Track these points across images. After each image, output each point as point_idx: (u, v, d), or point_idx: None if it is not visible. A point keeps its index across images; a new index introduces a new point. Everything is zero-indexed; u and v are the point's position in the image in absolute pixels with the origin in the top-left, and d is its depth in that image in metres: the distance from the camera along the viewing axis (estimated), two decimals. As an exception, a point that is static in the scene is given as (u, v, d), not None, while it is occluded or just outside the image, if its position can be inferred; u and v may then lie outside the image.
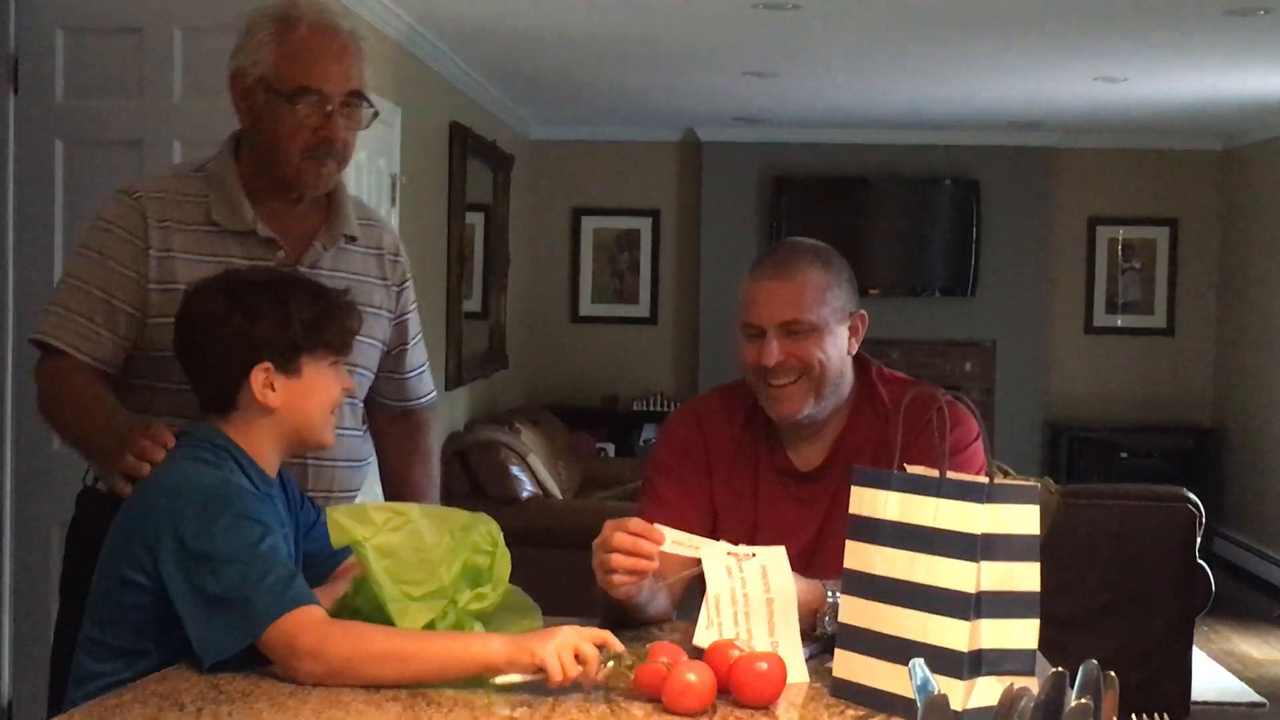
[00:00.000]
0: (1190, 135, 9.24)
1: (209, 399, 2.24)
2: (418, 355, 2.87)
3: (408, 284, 2.80)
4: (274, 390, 2.19)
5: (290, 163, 2.52)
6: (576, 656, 1.93)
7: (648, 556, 2.19)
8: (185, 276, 2.48)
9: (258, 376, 2.18)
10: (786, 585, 2.13)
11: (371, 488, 2.87)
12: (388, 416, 2.87)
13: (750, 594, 2.13)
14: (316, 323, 2.21)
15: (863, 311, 2.54)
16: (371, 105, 2.60)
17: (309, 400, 2.22)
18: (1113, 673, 1.58)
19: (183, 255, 2.53)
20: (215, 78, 3.52)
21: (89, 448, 2.47)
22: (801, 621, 2.17)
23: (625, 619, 2.32)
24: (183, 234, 2.54)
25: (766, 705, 1.93)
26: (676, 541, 2.20)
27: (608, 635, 1.99)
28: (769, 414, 2.51)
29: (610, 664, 1.97)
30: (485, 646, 1.96)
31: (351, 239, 2.66)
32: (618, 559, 2.19)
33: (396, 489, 2.84)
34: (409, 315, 2.81)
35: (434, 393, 2.96)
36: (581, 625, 2.01)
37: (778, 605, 2.12)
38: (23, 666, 4.00)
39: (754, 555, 2.14)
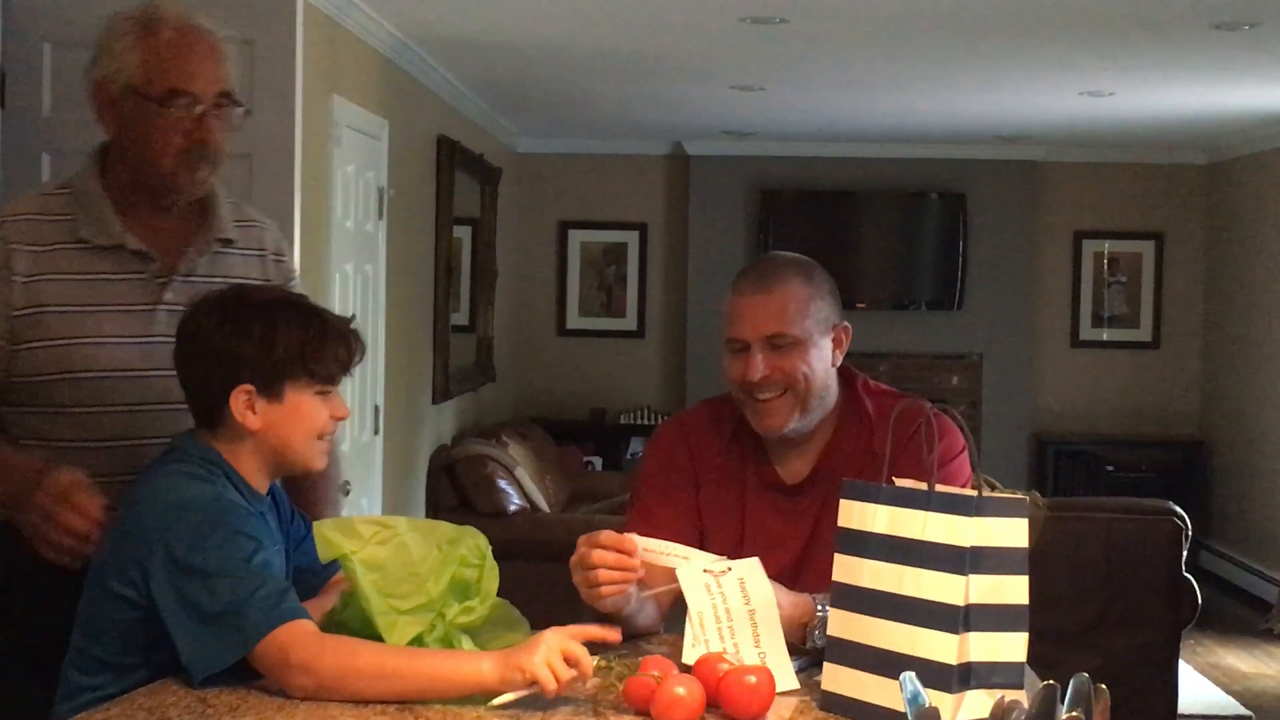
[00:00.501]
0: (1176, 149, 9.28)
1: (197, 413, 2.23)
2: None
3: (293, 283, 2.70)
4: (254, 413, 2.17)
5: (164, 168, 2.47)
6: (566, 660, 1.93)
7: (629, 566, 2.20)
8: (54, 298, 2.45)
9: (238, 398, 2.16)
10: (766, 594, 2.13)
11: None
12: None
13: (732, 608, 2.13)
14: (302, 350, 2.17)
15: (846, 323, 2.54)
16: (241, 105, 2.55)
17: (290, 427, 2.19)
18: (1104, 685, 1.58)
19: (51, 277, 2.47)
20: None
21: None
22: (791, 635, 2.17)
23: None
24: (50, 255, 2.48)
25: (756, 718, 1.93)
26: (648, 549, 2.21)
27: (591, 629, 1.99)
28: (755, 428, 2.51)
29: (601, 665, 1.96)
30: (476, 667, 1.95)
31: (228, 242, 2.59)
32: (603, 573, 2.20)
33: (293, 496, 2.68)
34: None
35: None
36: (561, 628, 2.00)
37: (760, 616, 2.12)
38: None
39: (729, 570, 2.14)
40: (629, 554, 2.20)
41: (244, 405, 2.16)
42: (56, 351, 2.43)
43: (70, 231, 2.50)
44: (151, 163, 2.48)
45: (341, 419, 2.26)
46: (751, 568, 2.14)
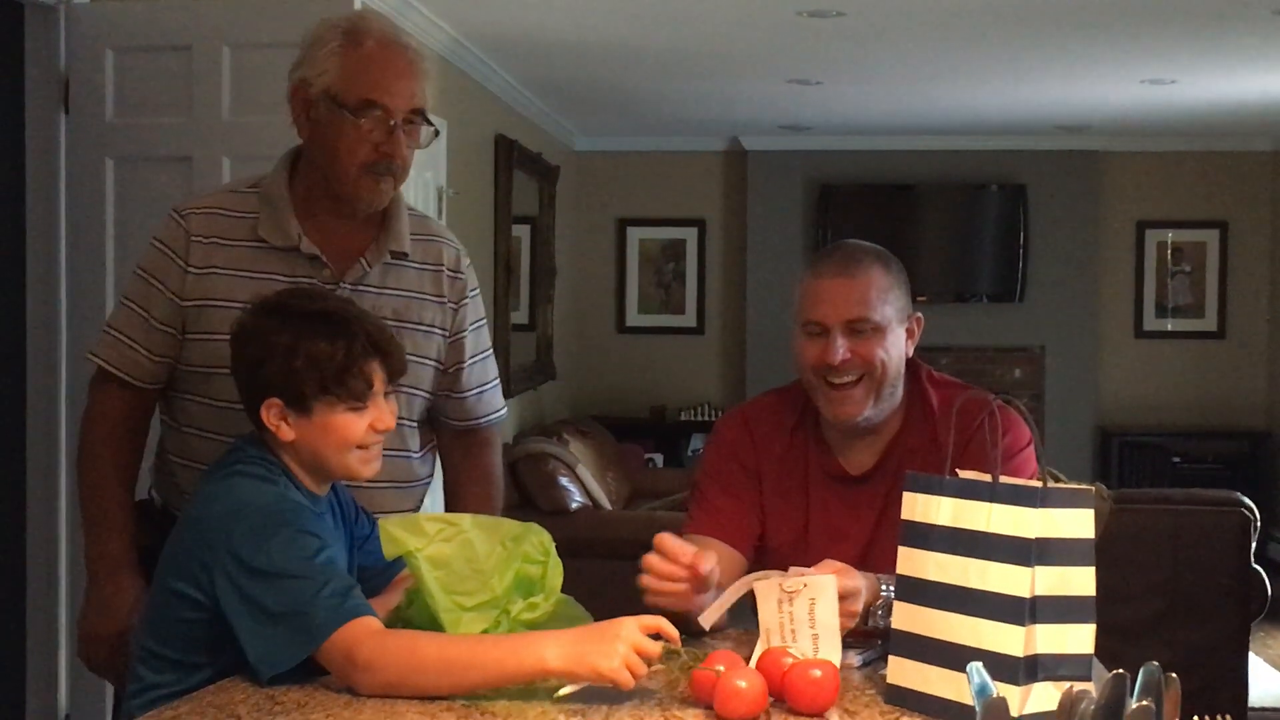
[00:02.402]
0: (1240, 137, 9.17)
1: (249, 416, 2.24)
2: (479, 373, 2.77)
3: (467, 300, 2.73)
4: (287, 424, 2.17)
5: (348, 177, 2.50)
6: (638, 653, 1.92)
7: (676, 576, 2.19)
8: (223, 292, 2.51)
9: (268, 411, 2.17)
10: (830, 619, 2.10)
11: (435, 504, 2.86)
12: (449, 435, 2.80)
13: (797, 630, 2.12)
14: (326, 370, 2.14)
15: (919, 314, 2.54)
16: (432, 124, 2.58)
17: (322, 441, 2.18)
18: (1174, 675, 1.56)
19: (223, 271, 2.53)
20: (264, 94, 3.58)
21: (86, 543, 2.62)
22: (847, 618, 2.16)
23: (683, 629, 2.32)
24: (226, 250, 2.54)
25: (821, 712, 1.93)
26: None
27: (663, 622, 1.98)
28: (827, 415, 2.50)
29: (669, 651, 1.96)
30: (541, 655, 1.93)
31: (402, 255, 2.62)
32: (653, 582, 2.20)
33: (453, 508, 2.81)
34: (467, 333, 2.73)
35: (502, 409, 2.86)
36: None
37: (821, 640, 2.11)
38: (80, 677, 4.02)
39: (804, 587, 2.12)
40: (683, 565, 2.19)
41: (275, 418, 2.17)
42: (219, 346, 2.47)
43: (251, 230, 2.55)
44: (337, 171, 2.51)
45: (384, 430, 2.23)
46: (824, 588, 2.11)
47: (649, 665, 1.94)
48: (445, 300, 2.68)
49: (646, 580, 2.20)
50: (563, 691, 1.93)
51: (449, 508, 2.83)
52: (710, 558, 2.22)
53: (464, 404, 2.76)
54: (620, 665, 1.90)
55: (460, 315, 2.72)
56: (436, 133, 2.63)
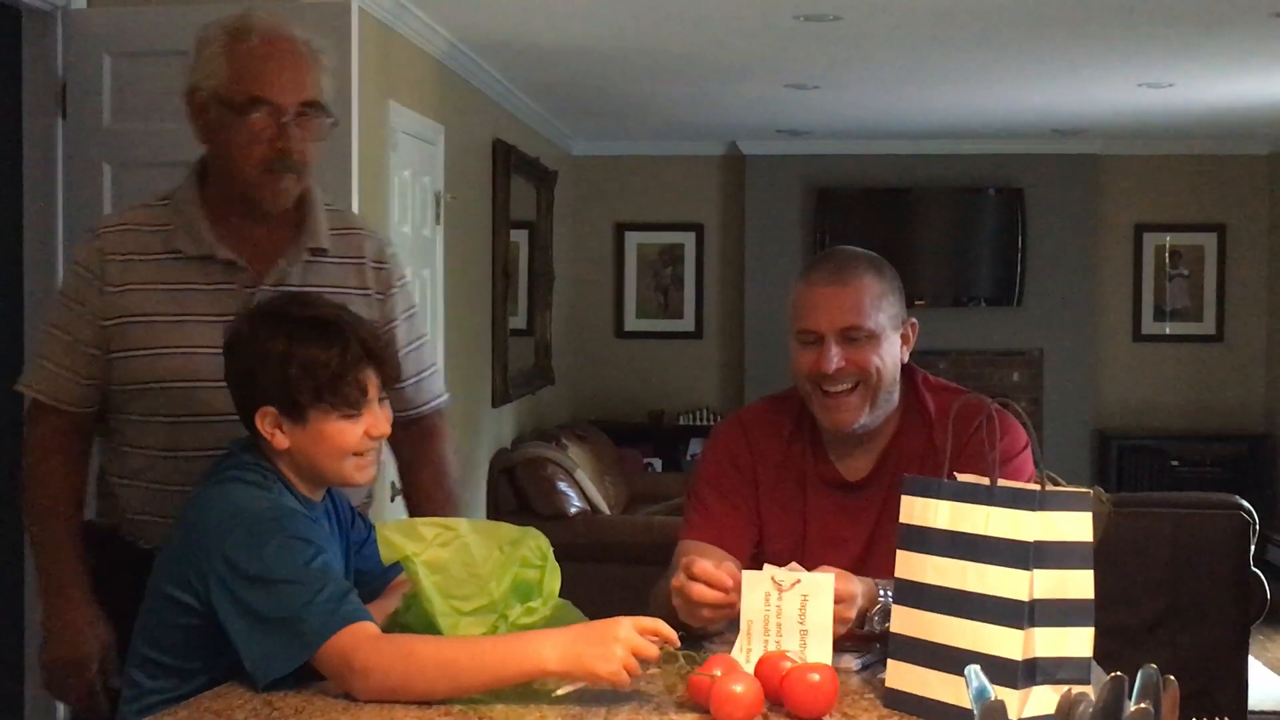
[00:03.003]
0: (1237, 140, 9.17)
1: (244, 424, 2.24)
2: (414, 361, 2.72)
3: (395, 290, 2.69)
4: (281, 432, 2.16)
5: (247, 177, 2.48)
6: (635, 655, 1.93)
7: (729, 603, 2.20)
8: (141, 308, 2.49)
9: (262, 419, 2.16)
10: (824, 619, 2.09)
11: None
12: (396, 428, 2.79)
13: (784, 623, 2.10)
14: (319, 378, 2.13)
15: (913, 320, 2.54)
16: (330, 115, 2.54)
17: (317, 448, 2.17)
18: (1172, 677, 1.56)
19: (140, 287, 2.51)
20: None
21: (38, 573, 2.62)
22: (854, 623, 2.16)
23: (680, 628, 2.32)
24: (142, 265, 2.52)
25: (819, 717, 1.93)
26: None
27: (659, 623, 1.99)
28: (823, 423, 2.50)
29: (668, 664, 1.97)
30: (540, 656, 1.93)
31: (321, 251, 2.59)
32: (708, 612, 2.21)
33: (409, 498, 2.80)
34: (397, 322, 2.68)
35: (443, 396, 2.83)
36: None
37: (811, 638, 2.09)
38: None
39: (798, 583, 2.11)
40: (725, 589, 2.20)
41: (269, 426, 2.16)
42: (144, 360, 2.47)
43: (165, 242, 2.53)
44: (235, 172, 2.49)
45: (379, 437, 2.22)
46: (820, 586, 2.10)
47: (645, 667, 1.94)
48: (370, 292, 2.64)
49: (708, 615, 2.22)
50: (560, 691, 1.94)
51: (406, 499, 2.82)
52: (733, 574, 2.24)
53: (403, 394, 2.69)
54: (618, 668, 1.90)
55: (389, 306, 2.68)
56: (335, 123, 2.59)
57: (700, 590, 2.21)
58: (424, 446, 2.80)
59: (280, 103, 2.46)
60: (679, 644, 2.01)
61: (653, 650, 1.94)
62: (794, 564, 2.16)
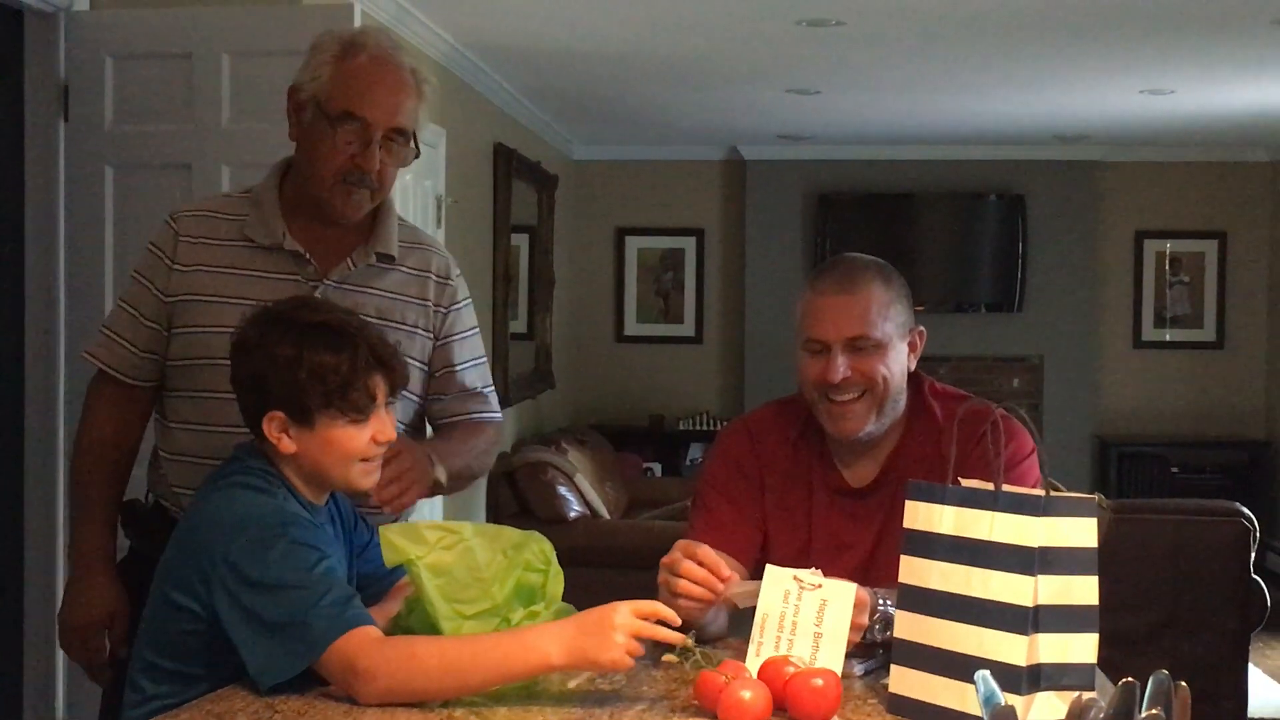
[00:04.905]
0: (1238, 147, 9.18)
1: (249, 427, 2.23)
2: (471, 378, 2.77)
3: (458, 306, 2.75)
4: (289, 437, 2.16)
5: (323, 184, 2.55)
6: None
7: (714, 589, 2.21)
8: (207, 287, 2.58)
9: (270, 423, 2.16)
10: (841, 626, 2.09)
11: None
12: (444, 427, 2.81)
13: (800, 622, 2.10)
14: (328, 383, 2.13)
15: (921, 328, 2.54)
16: (415, 146, 2.61)
17: (324, 453, 2.17)
18: (1184, 683, 1.55)
19: (209, 269, 2.59)
20: (263, 102, 3.59)
21: (72, 536, 2.75)
22: (854, 631, 2.16)
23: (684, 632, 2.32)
24: (213, 249, 2.60)
25: (823, 722, 1.93)
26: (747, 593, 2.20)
27: (658, 606, 2.00)
28: (829, 431, 2.50)
29: (684, 658, 2.00)
30: (544, 652, 1.94)
31: (389, 259, 2.65)
32: (685, 586, 2.21)
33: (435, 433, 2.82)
34: (455, 339, 2.75)
35: (498, 414, 2.85)
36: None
37: (825, 641, 2.09)
38: (77, 685, 4.01)
39: (820, 586, 2.11)
40: (720, 578, 2.20)
41: (277, 430, 2.16)
42: (200, 337, 2.54)
43: (238, 230, 2.62)
44: (313, 176, 2.56)
45: (385, 442, 2.22)
46: (842, 593, 2.10)
47: (644, 654, 1.98)
48: (429, 303, 2.70)
49: (684, 585, 2.21)
50: (572, 684, 1.97)
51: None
52: (734, 579, 2.25)
53: (462, 401, 2.75)
54: (620, 655, 1.93)
55: (449, 320, 2.74)
56: (418, 154, 2.64)
57: (686, 585, 2.21)
58: (465, 430, 2.78)
59: (372, 122, 2.52)
60: (679, 622, 2.02)
61: (651, 629, 1.95)
62: (816, 569, 2.15)
